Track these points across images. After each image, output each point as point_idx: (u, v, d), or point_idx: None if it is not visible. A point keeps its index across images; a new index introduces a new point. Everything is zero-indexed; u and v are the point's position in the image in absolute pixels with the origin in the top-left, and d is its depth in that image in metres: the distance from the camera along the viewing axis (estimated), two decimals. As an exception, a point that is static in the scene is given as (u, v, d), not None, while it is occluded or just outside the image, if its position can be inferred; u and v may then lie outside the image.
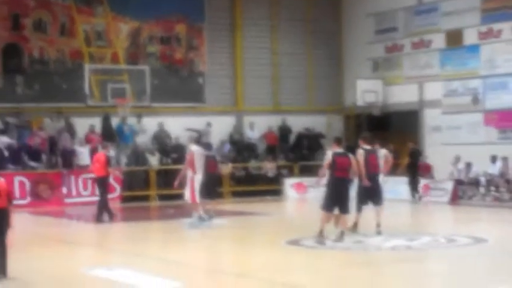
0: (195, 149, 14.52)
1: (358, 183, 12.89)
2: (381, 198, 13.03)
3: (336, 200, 11.95)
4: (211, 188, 15.57)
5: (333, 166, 11.89)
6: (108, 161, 15.91)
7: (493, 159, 19.53)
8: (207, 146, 16.81)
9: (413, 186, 20.09)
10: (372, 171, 12.69)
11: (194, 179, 14.35)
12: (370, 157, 12.80)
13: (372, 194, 12.85)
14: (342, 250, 11.62)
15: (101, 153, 16.19)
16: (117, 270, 9.98)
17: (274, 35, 24.73)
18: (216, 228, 14.94)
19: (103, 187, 15.99)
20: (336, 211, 12.07)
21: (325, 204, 12.01)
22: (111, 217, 15.87)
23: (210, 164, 15.39)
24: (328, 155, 12.10)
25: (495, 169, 19.40)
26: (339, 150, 12.16)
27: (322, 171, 12.18)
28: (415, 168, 20.28)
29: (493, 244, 12.00)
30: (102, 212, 15.83)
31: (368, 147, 12.98)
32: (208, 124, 23.04)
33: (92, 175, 18.48)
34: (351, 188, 12.34)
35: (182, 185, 14.72)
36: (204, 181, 15.26)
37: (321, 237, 11.97)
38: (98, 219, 15.72)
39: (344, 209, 12.02)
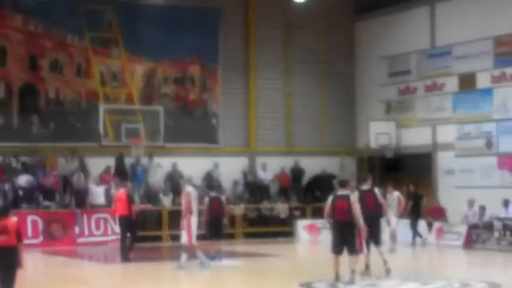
0: (189, 190, 14.50)
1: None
2: (352, 247, 12.21)
3: (340, 242, 12.05)
4: (217, 228, 15.58)
5: (332, 210, 12.06)
6: (130, 199, 15.98)
7: (505, 203, 19.39)
8: (213, 187, 16.86)
9: (415, 229, 19.89)
10: (338, 218, 12.20)
11: (191, 220, 14.30)
12: (367, 197, 12.69)
13: (370, 234, 12.65)
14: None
15: (122, 192, 16.20)
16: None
17: (288, 77, 24.92)
18: (228, 270, 14.85)
19: (125, 226, 15.95)
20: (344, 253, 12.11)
21: (332, 248, 12.22)
22: (124, 259, 15.80)
23: (215, 205, 15.43)
24: (328, 199, 12.26)
25: (508, 213, 19.23)
26: (341, 192, 12.25)
27: (325, 217, 12.36)
28: (417, 211, 20.10)
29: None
30: (127, 250, 15.77)
31: (365, 187, 12.86)
32: (216, 165, 23.09)
33: (105, 215, 18.67)
34: (355, 229, 12.25)
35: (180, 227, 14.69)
36: (210, 222, 15.29)
37: (335, 281, 11.97)
38: (124, 258, 15.67)
39: (350, 250, 12.08)
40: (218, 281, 13.52)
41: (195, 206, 14.44)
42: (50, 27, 22.13)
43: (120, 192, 16.35)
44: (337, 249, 12.11)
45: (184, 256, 14.44)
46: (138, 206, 16.17)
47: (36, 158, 21.42)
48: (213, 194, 16.03)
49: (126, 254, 15.88)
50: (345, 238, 12.06)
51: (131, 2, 22.98)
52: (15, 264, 8.82)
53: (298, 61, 24.97)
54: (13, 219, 9.00)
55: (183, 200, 14.52)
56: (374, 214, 12.84)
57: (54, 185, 20.70)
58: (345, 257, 12.20)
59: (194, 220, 14.41)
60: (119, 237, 16.60)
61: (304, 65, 25.04)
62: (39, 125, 21.94)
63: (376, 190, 13.33)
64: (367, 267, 12.96)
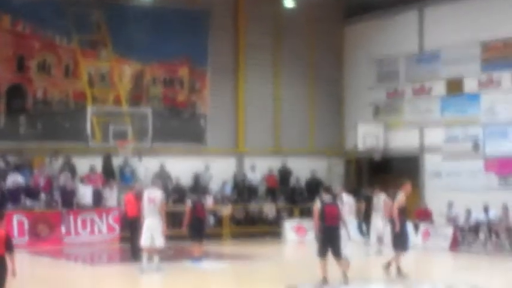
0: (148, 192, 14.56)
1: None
2: (339, 251, 12.38)
3: (327, 246, 12.27)
4: (199, 231, 15.64)
5: (323, 215, 12.27)
6: (139, 200, 16.05)
7: (485, 208, 19.53)
8: (196, 191, 16.92)
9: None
10: (329, 223, 12.33)
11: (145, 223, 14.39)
12: (328, 209, 12.45)
13: (331, 247, 12.43)
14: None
15: (129, 194, 16.47)
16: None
17: (277, 79, 24.96)
18: (214, 272, 14.86)
19: (136, 227, 16.02)
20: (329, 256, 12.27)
21: (318, 251, 12.39)
22: (137, 258, 15.82)
23: (198, 208, 15.52)
24: (317, 204, 12.43)
25: (488, 218, 19.37)
26: (328, 199, 12.46)
27: (315, 223, 12.48)
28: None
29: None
30: (136, 250, 15.84)
31: (328, 198, 12.63)
32: (207, 167, 23.11)
33: (92, 215, 18.63)
34: (340, 234, 12.47)
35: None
36: (192, 224, 15.34)
37: (322, 285, 12.12)
38: (135, 257, 15.78)
39: (336, 254, 12.29)
40: (204, 284, 13.51)
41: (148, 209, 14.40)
42: (38, 28, 22.06)
43: (128, 195, 16.68)
44: (323, 252, 12.32)
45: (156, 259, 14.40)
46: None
47: (23, 158, 21.34)
48: (196, 197, 16.08)
49: (137, 253, 15.91)
50: (332, 242, 12.31)
51: (120, 4, 22.94)
52: (3, 274, 8.89)
53: (287, 65, 25.02)
54: (2, 229, 9.03)
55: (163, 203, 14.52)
56: (335, 226, 12.52)
57: (41, 185, 20.63)
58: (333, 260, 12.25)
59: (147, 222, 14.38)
60: (120, 237, 16.68)
61: (293, 69, 25.10)
62: (26, 125, 21.86)
63: (340, 201, 13.23)
64: (399, 269, 13.19)
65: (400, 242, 13.48)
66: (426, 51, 23.12)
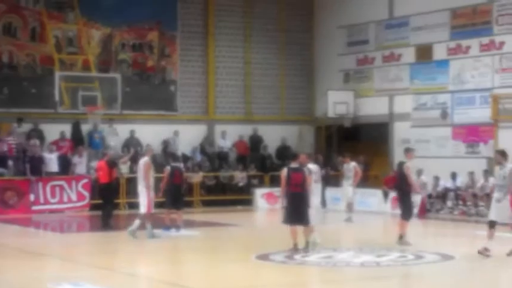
0: (147, 160, 14.56)
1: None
2: (304, 218, 12.43)
3: (293, 213, 12.34)
4: (178, 198, 15.63)
5: (288, 181, 12.33)
6: (111, 167, 15.93)
7: (453, 175, 19.85)
8: (173, 157, 16.91)
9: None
10: (292, 190, 12.32)
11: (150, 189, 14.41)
12: (294, 175, 12.35)
13: (295, 214, 12.44)
14: (311, 266, 11.68)
15: (102, 161, 16.46)
16: (84, 287, 9.88)
17: (247, 45, 24.78)
18: (185, 240, 14.91)
19: (107, 193, 16.08)
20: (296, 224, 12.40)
21: (284, 219, 12.49)
22: (107, 226, 15.82)
23: (176, 175, 15.45)
24: (284, 171, 12.47)
25: (455, 185, 19.70)
26: (295, 165, 12.47)
27: (282, 189, 12.54)
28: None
29: (459, 261, 12.16)
30: (107, 217, 15.90)
31: (295, 165, 12.54)
32: (176, 133, 22.99)
33: (61, 182, 18.50)
34: (307, 201, 12.50)
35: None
36: (170, 191, 15.33)
37: (294, 251, 12.26)
38: (105, 225, 15.85)
39: (303, 221, 12.41)
40: (175, 252, 13.55)
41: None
42: (3, -11, 21.53)
43: (100, 162, 16.66)
44: (289, 220, 12.44)
45: (137, 223, 14.42)
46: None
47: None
48: (174, 163, 16.01)
49: (108, 221, 16.00)
50: (298, 209, 12.36)
51: (88, -35, 22.45)
52: None
53: (258, 29, 24.85)
54: None
55: (144, 169, 14.41)
56: (300, 193, 12.45)
57: (8, 152, 20.34)
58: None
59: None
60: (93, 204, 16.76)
61: (263, 33, 24.93)
62: (-9, 90, 21.45)
63: (307, 168, 12.87)
64: (400, 237, 13.39)
65: (410, 211, 13.74)
66: (396, 18, 23.12)
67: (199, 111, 24.18)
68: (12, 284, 10.26)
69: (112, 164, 16.29)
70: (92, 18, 22.67)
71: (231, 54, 24.59)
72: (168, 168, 15.75)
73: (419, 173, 20.48)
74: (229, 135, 24.00)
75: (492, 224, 12.06)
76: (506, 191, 11.92)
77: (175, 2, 23.72)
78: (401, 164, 13.80)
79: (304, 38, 25.48)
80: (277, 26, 25.10)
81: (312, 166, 13.73)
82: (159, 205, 16.53)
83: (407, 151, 14.23)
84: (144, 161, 14.62)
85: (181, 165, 16.74)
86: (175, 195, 15.65)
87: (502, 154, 12.25)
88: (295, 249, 12.39)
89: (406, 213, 13.73)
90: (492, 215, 12.12)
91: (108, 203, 16.38)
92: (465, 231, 16.58)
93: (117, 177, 17.10)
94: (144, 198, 14.41)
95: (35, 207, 19.77)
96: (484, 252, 11.90)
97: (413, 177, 13.90)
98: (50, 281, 10.25)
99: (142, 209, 14.50)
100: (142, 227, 14.47)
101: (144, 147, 16.00)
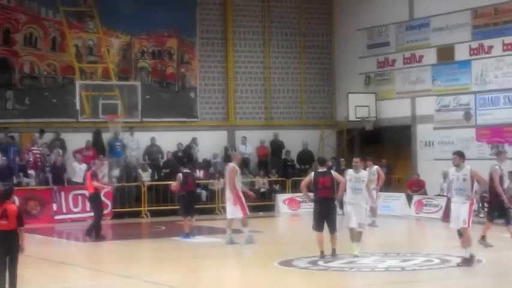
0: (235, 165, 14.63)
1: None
2: (333, 225, 12.22)
3: (321, 219, 12.09)
4: (191, 204, 15.61)
5: (315, 186, 12.10)
6: (92, 177, 15.80)
7: None
8: (184, 163, 16.95)
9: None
10: (320, 194, 12.11)
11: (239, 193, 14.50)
12: (321, 179, 12.13)
13: (323, 220, 12.21)
14: (334, 271, 11.53)
15: (88, 172, 16.33)
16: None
17: (266, 49, 24.72)
18: (207, 247, 14.83)
19: (92, 204, 15.92)
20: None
21: (314, 225, 12.23)
22: (97, 237, 15.66)
23: (189, 182, 15.46)
24: (310, 175, 12.30)
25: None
26: (322, 169, 12.30)
27: (303, 192, 12.44)
28: None
29: (485, 265, 11.93)
30: (92, 229, 15.77)
31: (322, 169, 12.35)
32: (194, 140, 22.96)
33: (83, 191, 18.56)
34: (334, 206, 12.39)
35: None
36: (185, 197, 15.31)
37: (321, 258, 12.04)
38: (88, 233, 15.74)
39: (331, 228, 12.14)
40: (197, 260, 13.48)
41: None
42: (24, 0, 21.69)
43: (87, 172, 16.50)
44: (317, 227, 12.16)
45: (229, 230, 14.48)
46: (97, 185, 16.05)
47: (11, 135, 21.09)
48: (186, 170, 15.96)
49: (98, 232, 15.79)
50: (326, 215, 12.11)
51: (106, -25, 22.55)
52: (16, 248, 9.06)
53: (277, 33, 24.77)
54: (14, 204, 9.22)
55: (231, 175, 14.43)
56: (329, 197, 12.28)
57: (31, 162, 20.44)
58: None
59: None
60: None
61: (282, 38, 24.85)
62: (14, 101, 21.60)
63: (334, 173, 12.69)
64: (483, 237, 13.30)
65: (494, 213, 13.69)
66: (416, 19, 22.91)
67: (219, 117, 24.14)
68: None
69: (94, 175, 16.09)
70: (112, 27, 22.76)
71: (250, 59, 24.54)
72: (180, 176, 15.67)
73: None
74: (250, 141, 23.91)
75: (461, 233, 11.46)
76: (467, 195, 11.28)
77: (193, 8, 23.74)
78: (492, 167, 13.65)
79: (324, 42, 25.34)
80: (296, 30, 25.00)
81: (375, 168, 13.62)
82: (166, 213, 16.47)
83: (499, 153, 14.26)
84: (230, 166, 14.60)
85: (193, 171, 16.66)
86: (190, 202, 15.59)
87: (461, 155, 11.67)
88: (322, 256, 12.11)
89: (490, 214, 13.78)
90: (454, 223, 11.46)
91: (95, 213, 16.01)
92: (491, 234, 16.28)
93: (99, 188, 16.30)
94: (236, 203, 14.42)
95: (57, 217, 19.83)
96: (464, 263, 11.28)
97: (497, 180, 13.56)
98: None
99: (239, 213, 14.48)
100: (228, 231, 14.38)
101: (231, 154, 15.89)
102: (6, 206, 9.07)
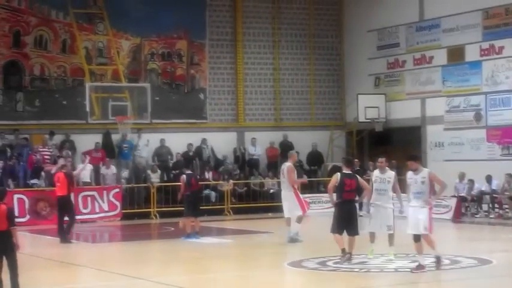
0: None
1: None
2: (354, 228, 12.01)
3: (343, 222, 11.92)
4: (196, 206, 15.66)
5: (341, 188, 11.86)
6: (69, 180, 15.56)
7: (488, 178, 19.41)
8: (186, 165, 16.98)
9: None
10: (345, 197, 11.92)
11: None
12: (348, 181, 11.93)
13: (345, 223, 12.00)
14: (344, 272, 11.48)
15: (60, 173, 15.78)
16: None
17: (276, 51, 24.70)
18: (217, 248, 14.82)
19: (63, 207, 15.64)
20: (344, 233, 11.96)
21: (334, 227, 11.98)
22: (64, 240, 15.45)
23: (193, 182, 15.53)
24: (336, 176, 12.04)
25: (491, 188, 19.27)
26: (348, 171, 12.09)
27: (329, 194, 12.18)
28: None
29: (497, 266, 11.85)
30: (62, 232, 15.55)
31: (348, 171, 12.13)
32: (204, 141, 22.95)
33: (93, 192, 18.56)
34: (356, 209, 12.22)
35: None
36: (189, 198, 15.30)
37: (343, 256, 11.83)
38: (64, 240, 15.51)
39: (352, 231, 11.96)
40: (206, 261, 13.47)
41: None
42: (34, 3, 21.79)
43: (58, 173, 15.91)
44: (337, 229, 11.89)
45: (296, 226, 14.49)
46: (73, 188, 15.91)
47: (21, 136, 21.19)
48: (188, 171, 15.98)
49: (64, 235, 15.56)
50: (349, 217, 11.91)
51: (116, -24, 22.61)
52: (11, 247, 9.15)
53: (286, 35, 24.76)
54: (5, 205, 9.24)
55: (288, 174, 14.46)
56: (353, 200, 12.15)
57: (42, 163, 20.50)
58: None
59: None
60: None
61: (292, 39, 24.83)
62: (24, 103, 21.69)
63: (359, 177, 12.41)
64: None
65: None
66: (427, 20, 22.83)
67: (229, 119, 24.14)
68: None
69: (70, 176, 15.98)
70: (122, 29, 22.82)
71: (259, 60, 24.53)
72: (183, 177, 15.70)
73: (461, 177, 19.95)
74: (259, 142, 23.89)
75: (417, 238, 11.05)
76: (425, 199, 10.91)
77: (203, 10, 23.76)
78: None
79: (333, 43, 25.30)
80: (306, 31, 24.97)
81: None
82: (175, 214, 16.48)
83: None
84: (287, 166, 14.64)
85: (197, 172, 16.69)
86: (194, 203, 15.60)
87: (416, 159, 11.30)
88: (344, 254, 11.86)
89: None
90: (412, 228, 11.04)
91: (64, 216, 15.71)
92: (502, 235, 16.20)
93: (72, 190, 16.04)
94: (295, 202, 14.49)
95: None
96: (417, 270, 10.90)
97: None
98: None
99: (298, 211, 14.51)
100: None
101: (288, 153, 15.89)
102: None
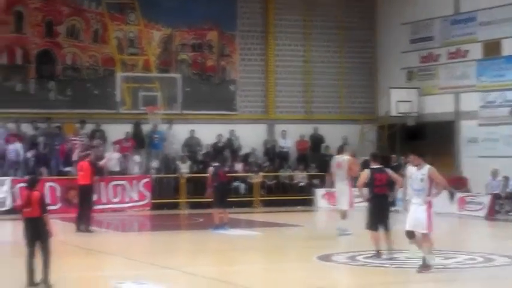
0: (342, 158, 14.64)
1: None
2: (387, 222, 11.79)
3: (378, 217, 11.72)
4: (224, 197, 15.60)
5: (372, 183, 11.67)
6: (93, 169, 15.58)
7: None
8: (214, 157, 16.86)
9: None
10: (377, 191, 11.70)
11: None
12: (378, 176, 11.69)
13: (379, 217, 11.77)
14: (375, 267, 11.29)
15: (83, 162, 15.83)
16: (147, 286, 9.79)
17: (307, 43, 24.48)
18: (245, 240, 14.73)
19: (84, 196, 15.63)
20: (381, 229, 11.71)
21: (369, 223, 11.78)
22: (87, 229, 15.43)
23: (220, 174, 15.46)
24: (366, 172, 11.86)
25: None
26: (376, 165, 11.88)
27: (361, 191, 11.97)
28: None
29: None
30: (80, 221, 15.51)
31: (377, 166, 11.87)
32: (232, 132, 22.84)
33: (122, 182, 18.60)
34: (389, 203, 12.00)
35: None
36: (217, 189, 15.21)
37: (377, 257, 11.61)
38: (79, 227, 15.47)
39: (386, 226, 11.75)
40: (235, 252, 13.38)
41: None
42: (67, -8, 21.91)
43: (82, 162, 15.96)
44: (373, 225, 11.67)
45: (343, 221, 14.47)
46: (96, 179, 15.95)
47: (53, 125, 21.34)
48: (216, 163, 15.89)
49: (81, 224, 15.53)
50: (382, 212, 11.70)
51: (148, -33, 22.60)
52: (44, 234, 9.29)
53: (318, 27, 24.52)
54: (38, 191, 9.41)
55: (348, 167, 14.41)
56: (386, 195, 11.89)
57: (72, 152, 20.61)
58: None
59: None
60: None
61: (324, 31, 24.59)
62: (56, 92, 21.83)
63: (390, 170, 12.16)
64: None
65: None
66: (462, 13, 22.40)
67: (258, 111, 24.02)
68: (77, 281, 10.29)
69: (95, 165, 15.94)
70: (153, 19, 22.82)
71: (290, 52, 24.34)
72: (211, 169, 15.65)
73: (495, 174, 19.57)
74: (289, 135, 23.72)
75: (411, 235, 10.71)
76: (424, 196, 10.53)
77: (234, 1, 23.64)
78: None
79: (366, 36, 24.99)
80: (337, 23, 24.70)
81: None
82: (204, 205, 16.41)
83: None
84: (348, 159, 14.59)
85: (225, 164, 16.64)
86: (222, 195, 15.52)
87: (420, 155, 10.74)
88: (378, 256, 11.66)
89: None
90: (409, 224, 10.64)
91: (86, 205, 15.69)
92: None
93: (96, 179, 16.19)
94: (347, 196, 14.43)
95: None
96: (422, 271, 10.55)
97: None
98: (114, 279, 10.21)
99: (345, 205, 14.49)
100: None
101: (344, 147, 15.82)
102: (30, 194, 9.36)
